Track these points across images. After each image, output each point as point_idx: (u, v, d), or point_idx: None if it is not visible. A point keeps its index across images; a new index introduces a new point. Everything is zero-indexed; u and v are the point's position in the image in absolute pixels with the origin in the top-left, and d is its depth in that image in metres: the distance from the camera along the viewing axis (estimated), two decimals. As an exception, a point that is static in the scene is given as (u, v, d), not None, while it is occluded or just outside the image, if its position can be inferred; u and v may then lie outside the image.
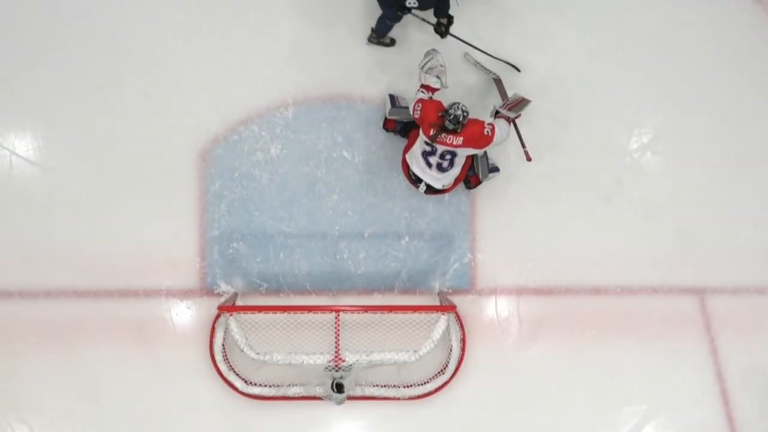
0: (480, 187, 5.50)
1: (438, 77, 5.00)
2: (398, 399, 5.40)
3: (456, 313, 5.31)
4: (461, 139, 4.77)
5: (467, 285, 5.57)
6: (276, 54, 5.53)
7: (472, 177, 5.41)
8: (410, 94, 5.36)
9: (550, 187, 5.57)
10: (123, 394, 5.46)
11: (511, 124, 5.04)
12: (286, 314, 5.26)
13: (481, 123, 4.83)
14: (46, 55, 5.50)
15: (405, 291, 5.56)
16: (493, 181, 5.51)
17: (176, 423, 5.47)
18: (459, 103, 4.71)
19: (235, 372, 5.37)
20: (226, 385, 5.36)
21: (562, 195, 5.57)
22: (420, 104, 4.85)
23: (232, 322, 5.15)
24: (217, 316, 5.30)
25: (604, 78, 5.59)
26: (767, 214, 5.63)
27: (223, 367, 5.33)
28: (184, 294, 5.51)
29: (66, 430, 5.44)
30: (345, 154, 5.54)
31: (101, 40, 5.51)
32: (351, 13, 5.55)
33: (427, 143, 4.87)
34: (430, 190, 5.10)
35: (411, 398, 5.40)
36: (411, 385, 5.41)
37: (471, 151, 4.91)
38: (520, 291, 5.57)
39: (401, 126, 5.38)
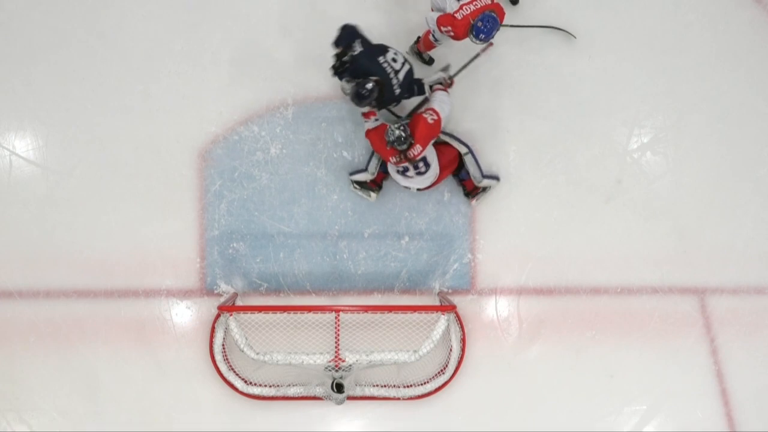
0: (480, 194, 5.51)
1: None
2: (398, 399, 5.40)
3: (456, 313, 5.31)
4: (419, 146, 4.79)
5: (467, 285, 5.57)
6: (276, 54, 5.53)
7: (465, 182, 5.41)
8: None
9: (550, 187, 5.57)
10: (123, 394, 5.47)
11: (449, 87, 5.07)
12: (286, 314, 5.27)
13: (420, 116, 4.82)
14: (46, 55, 5.50)
15: (405, 291, 5.56)
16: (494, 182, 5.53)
17: (176, 423, 5.49)
18: (389, 126, 4.73)
19: (235, 372, 5.38)
20: (226, 385, 5.37)
21: (562, 195, 5.57)
22: (369, 139, 4.94)
23: (232, 322, 5.15)
24: (217, 316, 5.31)
25: (604, 78, 5.59)
26: (767, 214, 5.62)
27: (223, 367, 5.34)
28: (184, 294, 5.52)
29: (66, 429, 5.45)
30: (345, 154, 5.54)
31: (101, 40, 5.51)
32: (352, 13, 5.54)
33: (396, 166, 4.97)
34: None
35: (411, 398, 5.41)
36: (411, 385, 5.42)
37: (432, 142, 4.90)
38: (520, 291, 5.57)
39: (381, 165, 5.34)
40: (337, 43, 4.82)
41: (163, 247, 5.50)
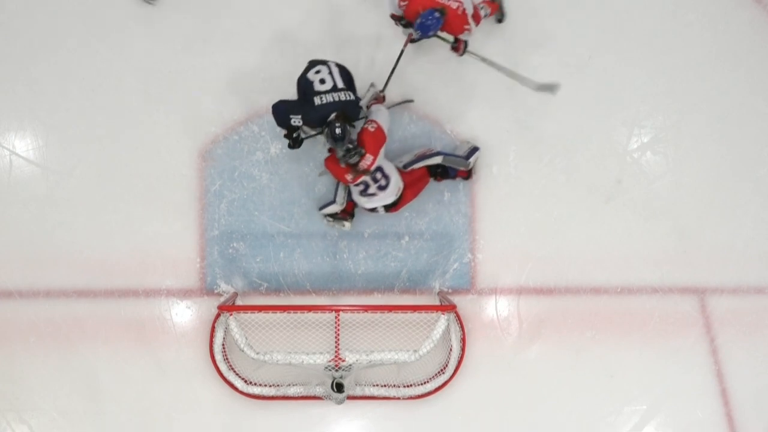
0: (481, 184, 5.51)
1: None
2: (398, 399, 5.40)
3: (456, 312, 5.31)
4: (369, 155, 4.79)
5: (467, 285, 5.57)
6: (276, 54, 5.53)
7: (459, 174, 5.40)
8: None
9: (550, 186, 5.57)
10: (123, 394, 5.47)
11: (383, 101, 5.18)
12: (286, 314, 5.27)
13: (362, 129, 4.88)
14: (46, 55, 5.50)
15: (405, 291, 5.56)
16: (494, 182, 5.52)
17: (176, 423, 5.49)
18: (336, 144, 4.71)
19: (235, 372, 5.38)
20: (226, 385, 5.37)
21: (562, 195, 5.57)
22: (328, 168, 4.94)
23: (232, 321, 5.15)
24: (217, 316, 5.31)
25: (604, 78, 5.59)
26: (767, 214, 5.63)
27: (223, 367, 5.34)
28: (184, 294, 5.52)
29: (66, 430, 5.45)
30: (345, 154, 5.54)
31: (101, 40, 5.51)
32: (352, 12, 5.55)
33: (357, 185, 4.95)
34: (390, 206, 5.13)
35: (411, 398, 5.41)
36: (411, 385, 5.42)
37: (383, 151, 4.90)
38: (520, 291, 5.57)
39: (349, 195, 5.30)
40: (280, 125, 4.92)
41: (163, 247, 5.50)
